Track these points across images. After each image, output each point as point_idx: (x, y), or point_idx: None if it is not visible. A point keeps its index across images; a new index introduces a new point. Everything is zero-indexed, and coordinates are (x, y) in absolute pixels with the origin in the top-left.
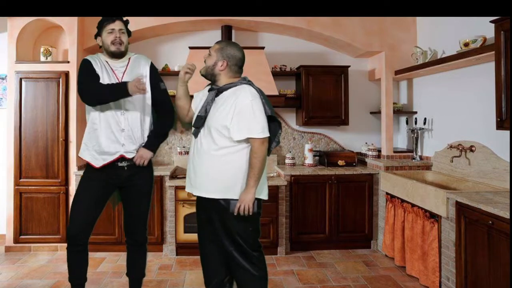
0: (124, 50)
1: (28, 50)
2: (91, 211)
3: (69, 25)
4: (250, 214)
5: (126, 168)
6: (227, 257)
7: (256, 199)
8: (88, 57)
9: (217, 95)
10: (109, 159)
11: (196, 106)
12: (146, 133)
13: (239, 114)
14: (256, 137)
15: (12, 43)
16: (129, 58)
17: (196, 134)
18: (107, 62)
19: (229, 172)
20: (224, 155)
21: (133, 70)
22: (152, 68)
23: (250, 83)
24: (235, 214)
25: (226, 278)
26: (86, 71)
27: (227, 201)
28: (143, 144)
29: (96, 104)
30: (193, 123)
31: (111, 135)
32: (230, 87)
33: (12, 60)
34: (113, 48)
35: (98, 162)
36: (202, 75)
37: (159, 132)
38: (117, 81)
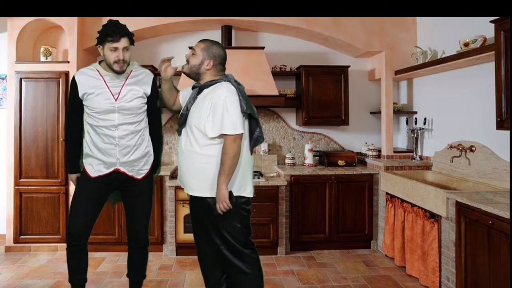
0: (126, 68)
1: (28, 50)
2: (90, 213)
3: (69, 25)
4: (231, 207)
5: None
6: (219, 255)
7: (242, 197)
8: (78, 73)
9: (199, 92)
10: (105, 171)
11: (183, 102)
12: (145, 144)
13: (214, 111)
14: (227, 134)
15: (12, 43)
16: (131, 71)
17: (179, 132)
18: (103, 78)
19: (211, 170)
20: (204, 154)
21: (132, 87)
22: (154, 86)
23: (230, 80)
24: (218, 213)
25: (222, 277)
26: (71, 98)
27: (213, 199)
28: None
29: None
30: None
31: (107, 149)
32: (211, 85)
33: (12, 60)
34: (116, 67)
35: (94, 172)
36: (185, 73)
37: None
38: (112, 98)
